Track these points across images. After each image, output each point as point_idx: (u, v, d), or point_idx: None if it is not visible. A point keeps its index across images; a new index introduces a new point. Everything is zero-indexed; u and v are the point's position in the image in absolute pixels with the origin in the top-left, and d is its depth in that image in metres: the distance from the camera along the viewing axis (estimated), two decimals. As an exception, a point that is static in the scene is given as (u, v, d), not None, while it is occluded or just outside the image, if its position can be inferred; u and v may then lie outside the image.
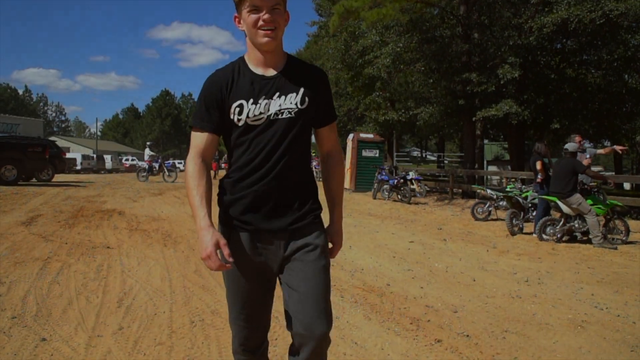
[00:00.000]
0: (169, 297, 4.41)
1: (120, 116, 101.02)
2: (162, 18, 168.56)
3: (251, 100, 1.81)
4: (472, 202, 13.80)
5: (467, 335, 3.62)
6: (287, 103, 1.83)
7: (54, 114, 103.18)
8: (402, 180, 16.04)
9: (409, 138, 46.35)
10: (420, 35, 16.45)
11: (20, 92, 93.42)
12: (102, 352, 3.15)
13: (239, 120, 1.82)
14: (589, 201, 8.40)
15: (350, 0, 14.12)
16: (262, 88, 1.83)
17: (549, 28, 13.07)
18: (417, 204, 15.69)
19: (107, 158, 49.85)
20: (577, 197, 8.17)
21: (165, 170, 22.70)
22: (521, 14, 14.75)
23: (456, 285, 5.17)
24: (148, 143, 24.42)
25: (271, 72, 1.87)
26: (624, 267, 6.49)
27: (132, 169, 49.93)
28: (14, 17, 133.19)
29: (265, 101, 1.82)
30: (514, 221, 9.39)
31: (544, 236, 8.54)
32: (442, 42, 16.57)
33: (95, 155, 48.20)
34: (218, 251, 1.71)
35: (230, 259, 1.72)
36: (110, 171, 46.59)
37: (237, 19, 1.88)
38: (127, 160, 54.57)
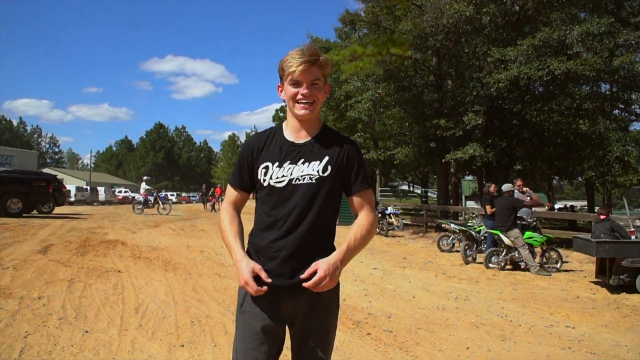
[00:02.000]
0: (173, 307, 5.78)
1: (114, 148, 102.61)
2: (156, 51, 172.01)
3: (277, 163, 2.01)
4: (443, 235, 15.24)
5: (391, 331, 5.02)
6: (310, 169, 1.98)
7: (47, 146, 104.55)
8: (380, 215, 17.50)
9: (394, 174, 47.93)
10: (396, 84, 18.22)
11: (15, 123, 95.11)
12: (130, 338, 4.52)
13: (264, 180, 2.01)
14: (528, 234, 9.90)
15: (331, 54, 15.89)
16: (289, 153, 2.02)
17: (503, 83, 14.88)
18: (394, 236, 17.12)
19: (101, 190, 50.59)
20: (516, 231, 9.67)
21: (160, 203, 24.03)
22: (482, 68, 16.59)
23: (398, 301, 6.58)
24: (145, 178, 25.73)
25: (302, 140, 2.05)
26: (543, 289, 7.93)
27: (126, 200, 51.02)
28: (5, 46, 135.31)
29: (290, 166, 1.99)
30: (467, 252, 10.84)
31: (490, 265, 9.98)
32: (415, 90, 18.34)
33: (89, 187, 49.08)
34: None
35: (269, 280, 1.92)
36: (103, 203, 47.32)
37: (280, 89, 2.09)
38: (120, 192, 55.45)
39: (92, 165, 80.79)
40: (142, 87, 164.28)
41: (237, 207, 2.16)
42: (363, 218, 2.07)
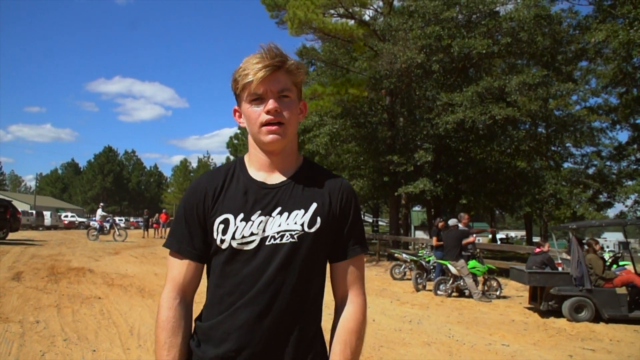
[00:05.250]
0: (163, 329, 6.44)
1: (59, 171, 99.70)
2: (103, 72, 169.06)
3: (241, 216, 1.39)
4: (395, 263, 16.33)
5: (358, 349, 5.90)
6: (291, 223, 1.39)
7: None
8: (335, 244, 18.47)
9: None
10: (353, 120, 19.49)
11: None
12: (136, 356, 5.19)
13: (222, 241, 1.39)
14: (472, 263, 11.06)
15: (294, 93, 16.93)
16: (258, 200, 1.41)
17: (451, 125, 16.42)
18: (348, 265, 18.07)
19: (47, 214, 49.11)
20: (461, 262, 10.82)
21: (116, 230, 24.21)
22: (432, 110, 18.14)
23: (361, 324, 7.47)
24: (101, 204, 25.86)
25: (275, 179, 1.46)
26: (484, 313, 9.04)
27: (72, 225, 49.88)
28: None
29: (261, 218, 1.39)
30: (418, 280, 11.91)
31: (438, 292, 11.05)
32: (370, 127, 19.67)
33: (34, 212, 47.67)
34: None
35: None
36: (49, 228, 46.03)
37: (236, 113, 1.52)
38: (66, 216, 53.99)
39: (37, 188, 78.21)
40: (87, 108, 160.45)
41: (187, 295, 1.48)
42: (352, 313, 1.53)
